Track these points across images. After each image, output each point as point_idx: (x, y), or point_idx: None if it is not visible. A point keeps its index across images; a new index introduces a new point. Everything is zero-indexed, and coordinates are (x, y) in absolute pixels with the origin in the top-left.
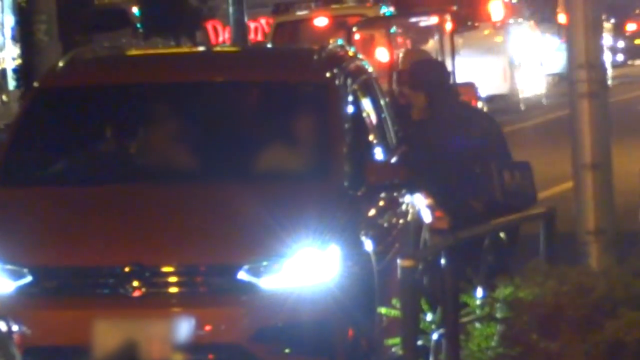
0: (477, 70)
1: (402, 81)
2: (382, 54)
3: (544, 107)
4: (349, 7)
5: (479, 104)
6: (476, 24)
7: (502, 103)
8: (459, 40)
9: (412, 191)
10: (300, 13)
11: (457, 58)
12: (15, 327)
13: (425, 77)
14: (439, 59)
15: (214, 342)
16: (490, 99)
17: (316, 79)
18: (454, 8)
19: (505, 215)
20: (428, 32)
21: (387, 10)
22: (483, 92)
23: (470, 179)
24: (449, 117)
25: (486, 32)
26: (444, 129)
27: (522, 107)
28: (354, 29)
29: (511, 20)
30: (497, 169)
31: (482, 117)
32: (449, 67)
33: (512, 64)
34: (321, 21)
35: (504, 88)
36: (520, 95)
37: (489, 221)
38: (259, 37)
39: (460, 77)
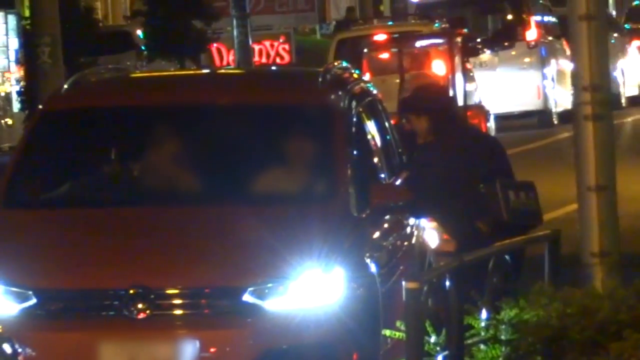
0: (512, 87)
1: (406, 106)
2: (391, 76)
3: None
4: (407, 24)
5: (489, 125)
6: (506, 43)
7: (536, 118)
8: (494, 59)
9: (416, 215)
10: (360, 29)
11: (492, 75)
12: (20, 350)
13: (428, 101)
14: (450, 81)
15: None
16: (524, 115)
17: (320, 101)
18: (465, 30)
19: (511, 235)
20: (439, 54)
21: (440, 26)
22: (517, 107)
23: (476, 201)
24: (453, 140)
25: (520, 51)
26: (449, 152)
27: (555, 121)
28: (365, 51)
29: (544, 40)
30: (502, 189)
31: (487, 139)
32: (461, 90)
33: (545, 80)
34: (381, 37)
35: (537, 104)
36: (553, 110)
37: (496, 242)
38: (263, 60)
39: (494, 93)
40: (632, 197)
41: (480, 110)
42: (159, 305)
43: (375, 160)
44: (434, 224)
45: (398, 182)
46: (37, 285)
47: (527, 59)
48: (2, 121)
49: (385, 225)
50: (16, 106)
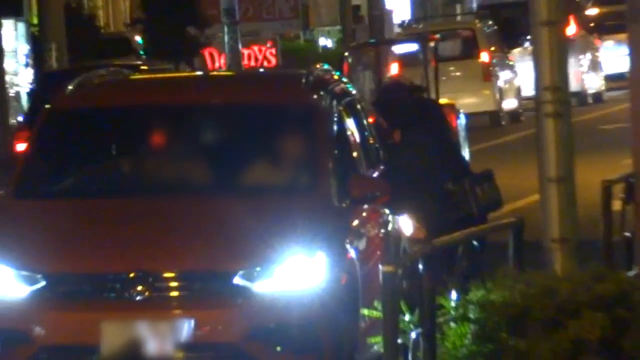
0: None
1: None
2: (369, 78)
3: (605, 102)
4: (457, 21)
5: (458, 121)
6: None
7: (575, 99)
8: None
9: (391, 207)
10: (419, 27)
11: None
12: (29, 329)
13: (384, 104)
14: (424, 83)
15: (211, 342)
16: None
17: (304, 101)
18: (438, 36)
19: (477, 224)
20: (414, 58)
21: (487, 25)
22: None
23: (443, 193)
24: (414, 140)
25: None
26: (410, 153)
27: (591, 100)
28: (346, 54)
29: (580, 34)
30: (471, 187)
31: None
32: (433, 92)
33: (582, 68)
34: (365, 43)
35: (575, 87)
36: (588, 92)
37: (463, 229)
38: (252, 63)
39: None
40: (588, 187)
41: (451, 109)
42: (157, 288)
43: (355, 154)
44: (408, 213)
45: (375, 175)
46: (46, 269)
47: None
48: (14, 120)
49: (364, 214)
50: (26, 105)
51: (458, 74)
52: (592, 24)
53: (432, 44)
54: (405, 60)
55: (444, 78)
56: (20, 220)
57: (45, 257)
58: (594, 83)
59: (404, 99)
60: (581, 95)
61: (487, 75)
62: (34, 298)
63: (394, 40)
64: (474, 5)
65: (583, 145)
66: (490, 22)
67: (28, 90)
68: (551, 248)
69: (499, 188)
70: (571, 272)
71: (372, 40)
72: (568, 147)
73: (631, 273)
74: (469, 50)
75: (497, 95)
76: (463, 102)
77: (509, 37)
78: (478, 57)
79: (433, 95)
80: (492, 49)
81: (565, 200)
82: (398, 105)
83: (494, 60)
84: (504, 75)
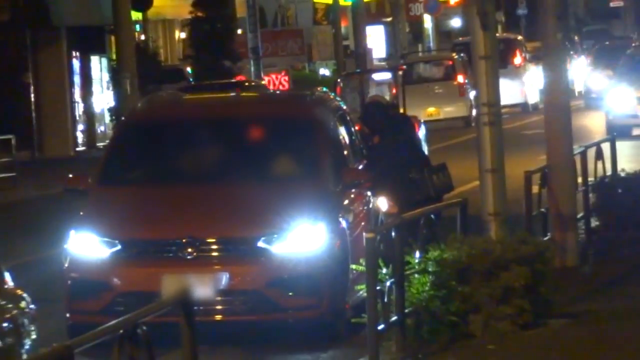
0: (508, 90)
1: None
2: (355, 98)
3: (540, 110)
4: (441, 54)
5: (420, 128)
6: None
7: (520, 107)
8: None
9: (372, 191)
10: (419, 57)
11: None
12: (33, 305)
13: (367, 116)
14: (395, 101)
15: (242, 289)
16: (513, 106)
17: (309, 114)
18: (404, 67)
19: (435, 203)
20: (387, 83)
21: (460, 56)
22: (511, 101)
23: (409, 180)
24: (388, 143)
25: (511, 69)
26: (387, 151)
27: (531, 109)
28: (339, 80)
29: (524, 63)
30: (429, 175)
31: (406, 128)
32: (401, 109)
33: (525, 86)
34: (354, 71)
35: (521, 99)
36: (529, 103)
37: (424, 207)
38: (271, 87)
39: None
40: (514, 176)
41: (415, 119)
42: (202, 250)
43: (345, 152)
44: (384, 195)
45: (360, 167)
46: (121, 236)
47: (515, 74)
48: (98, 129)
49: (352, 196)
50: (107, 118)
51: (441, 91)
52: (530, 54)
53: (400, 72)
54: (382, 84)
55: (431, 93)
56: (102, 201)
57: (120, 227)
58: (533, 97)
59: (381, 113)
60: (525, 105)
61: (462, 91)
62: (113, 258)
63: (373, 69)
64: (431, 44)
65: (512, 145)
66: (462, 55)
67: (109, 107)
68: (488, 220)
69: (451, 176)
70: (502, 237)
71: (358, 70)
72: (499, 147)
73: (546, 238)
74: (449, 74)
75: (469, 106)
76: (445, 110)
77: None
78: (455, 79)
79: (402, 110)
80: (465, 73)
81: (497, 185)
82: (376, 117)
83: (466, 81)
84: (473, 92)
